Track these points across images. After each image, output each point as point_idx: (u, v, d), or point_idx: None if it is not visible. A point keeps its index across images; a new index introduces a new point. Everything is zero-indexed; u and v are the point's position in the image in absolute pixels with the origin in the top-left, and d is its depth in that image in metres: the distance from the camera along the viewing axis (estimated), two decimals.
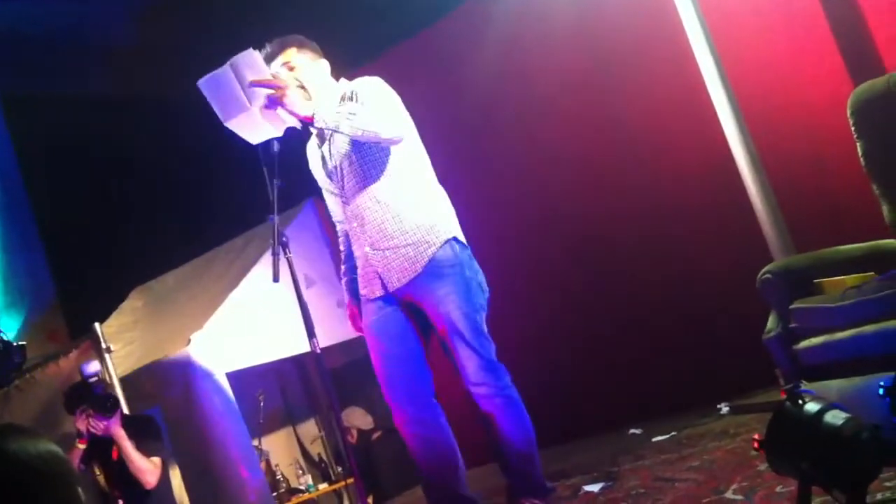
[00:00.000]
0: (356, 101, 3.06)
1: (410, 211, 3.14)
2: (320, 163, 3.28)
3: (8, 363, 4.91)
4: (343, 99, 3.12)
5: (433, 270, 3.12)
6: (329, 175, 3.23)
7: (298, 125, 3.13)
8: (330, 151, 3.20)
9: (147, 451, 4.37)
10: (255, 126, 2.97)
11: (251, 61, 2.94)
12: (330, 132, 3.12)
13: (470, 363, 3.14)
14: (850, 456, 2.07)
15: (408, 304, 3.21)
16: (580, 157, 5.25)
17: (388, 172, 3.14)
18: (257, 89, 2.92)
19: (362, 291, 3.27)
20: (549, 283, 5.47)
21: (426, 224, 3.15)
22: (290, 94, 2.93)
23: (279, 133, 3.09)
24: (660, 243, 5.00)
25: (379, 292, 3.19)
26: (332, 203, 3.35)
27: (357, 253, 3.27)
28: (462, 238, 3.25)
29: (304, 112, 2.97)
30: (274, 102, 2.93)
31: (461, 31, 5.62)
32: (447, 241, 3.16)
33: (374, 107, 3.01)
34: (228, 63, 2.93)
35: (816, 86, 4.41)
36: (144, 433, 4.47)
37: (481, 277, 3.27)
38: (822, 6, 4.39)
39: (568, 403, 5.32)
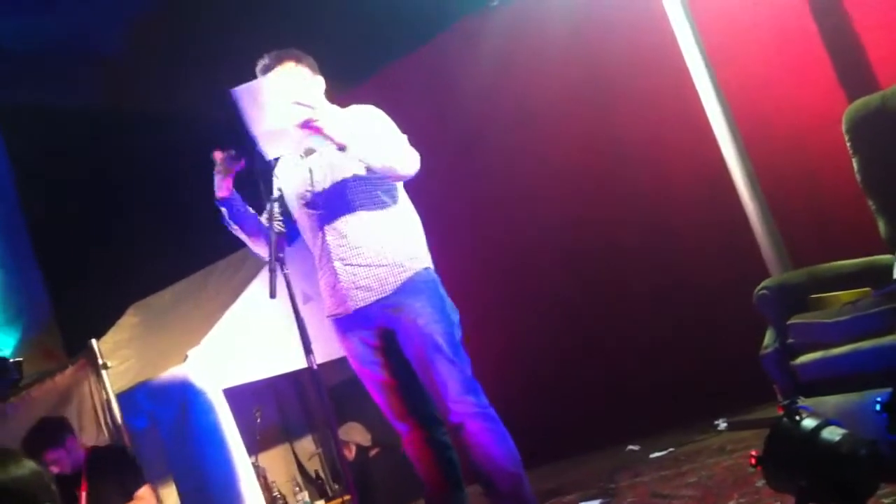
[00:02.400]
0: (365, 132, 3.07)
1: (393, 236, 3.13)
2: (304, 174, 3.23)
3: (4, 380, 4.89)
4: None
5: (408, 288, 3.09)
6: (313, 188, 3.20)
7: (313, 147, 3.13)
8: (320, 164, 3.18)
9: (131, 486, 4.31)
10: (279, 141, 2.97)
11: (291, 77, 3.04)
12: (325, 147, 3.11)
13: (450, 379, 3.05)
14: (848, 472, 2.07)
15: (380, 328, 3.15)
16: (575, 172, 5.27)
17: (378, 196, 3.15)
18: (296, 108, 2.91)
19: (331, 311, 3.22)
20: (546, 298, 5.47)
21: (406, 251, 3.14)
22: (325, 118, 2.91)
23: (296, 152, 3.13)
24: (656, 259, 5.00)
25: (344, 311, 3.15)
26: (301, 216, 3.26)
27: (322, 271, 3.21)
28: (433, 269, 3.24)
29: (340, 139, 2.92)
30: (309, 125, 2.92)
31: (456, 48, 5.66)
32: (423, 269, 3.15)
33: (393, 142, 3.04)
34: (264, 75, 3.01)
35: (811, 102, 4.43)
36: (121, 468, 4.40)
37: (451, 303, 3.23)
38: (817, 24, 4.43)
39: (564, 420, 5.31)
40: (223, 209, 3.20)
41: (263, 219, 3.21)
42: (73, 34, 7.11)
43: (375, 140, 2.99)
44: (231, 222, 3.22)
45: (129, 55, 7.28)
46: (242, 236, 3.28)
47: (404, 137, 3.13)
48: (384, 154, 2.97)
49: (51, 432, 4.32)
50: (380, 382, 3.20)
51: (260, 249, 3.29)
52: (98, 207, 7.37)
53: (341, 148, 2.96)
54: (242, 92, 2.91)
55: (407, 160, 3.04)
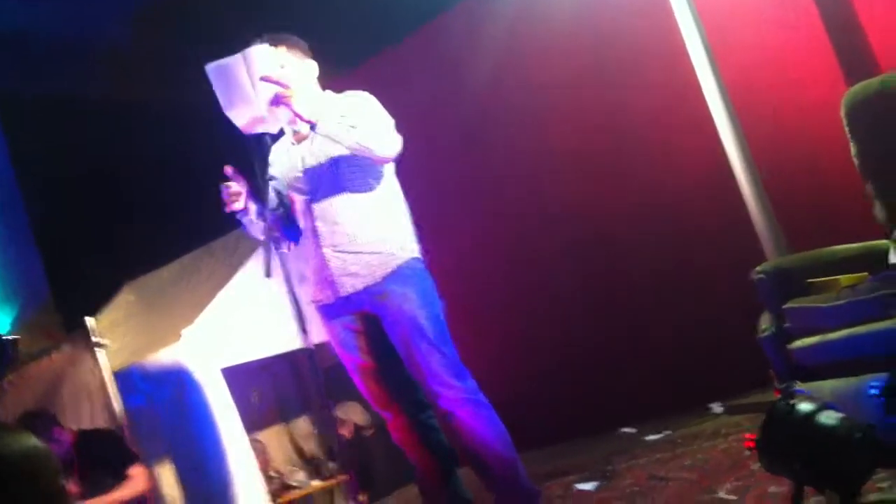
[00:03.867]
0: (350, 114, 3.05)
1: (383, 224, 3.13)
2: (295, 160, 3.22)
3: (1, 358, 4.90)
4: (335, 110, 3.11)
5: (396, 276, 3.09)
6: (305, 173, 3.19)
7: (293, 125, 3.11)
8: (311, 151, 3.17)
9: (122, 467, 4.32)
10: (253, 119, 2.96)
11: (264, 56, 2.92)
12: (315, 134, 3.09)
13: (435, 363, 3.04)
14: (844, 456, 2.07)
15: (364, 314, 3.15)
16: (575, 154, 5.26)
17: (370, 184, 3.14)
18: (265, 85, 2.89)
19: (315, 297, 3.22)
20: (543, 281, 5.47)
21: (396, 239, 3.13)
22: (296, 96, 2.91)
23: (272, 130, 3.07)
24: (653, 242, 5.00)
25: (331, 298, 3.14)
26: (296, 202, 3.26)
27: (311, 257, 3.20)
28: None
29: (308, 115, 2.93)
30: (279, 100, 2.90)
31: (459, 29, 5.62)
32: (411, 258, 3.15)
33: (372, 123, 3.01)
34: (241, 53, 2.90)
35: (810, 86, 4.42)
36: (110, 450, 4.41)
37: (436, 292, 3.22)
38: (817, 6, 4.41)
39: (561, 403, 5.32)
40: (241, 220, 3.16)
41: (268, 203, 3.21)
42: (71, 23, 7.09)
43: (349, 120, 2.97)
44: (252, 231, 3.17)
45: (127, 43, 7.26)
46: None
47: (390, 121, 3.10)
48: (358, 134, 2.95)
49: (35, 426, 4.31)
50: (363, 368, 3.19)
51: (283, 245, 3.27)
52: (95, 186, 7.36)
53: (312, 126, 2.96)
54: (214, 69, 2.91)
55: (385, 142, 3.02)
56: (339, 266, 3.10)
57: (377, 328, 3.14)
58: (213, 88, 2.94)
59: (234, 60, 2.90)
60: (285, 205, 3.27)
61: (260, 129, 3.03)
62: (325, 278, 3.14)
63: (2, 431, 1.50)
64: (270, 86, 2.88)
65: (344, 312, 3.15)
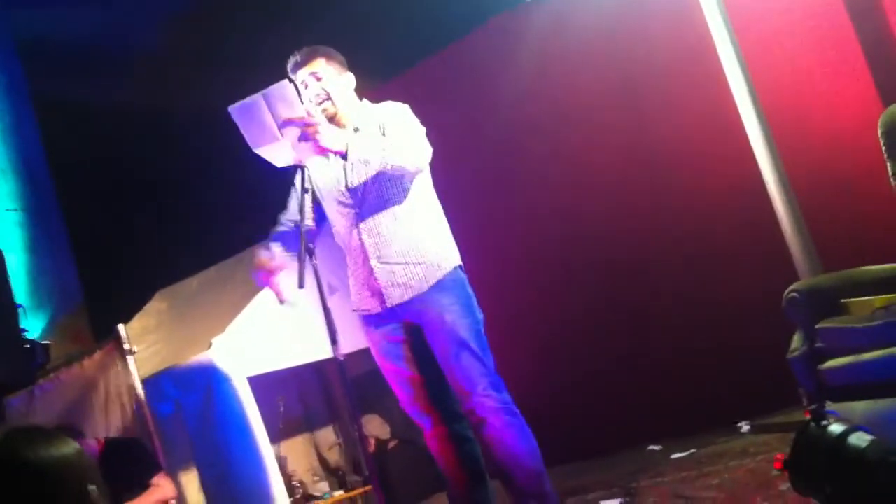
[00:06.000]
0: (384, 132, 3.10)
1: (427, 234, 3.18)
2: (338, 174, 3.24)
3: (33, 362, 4.94)
4: (370, 125, 3.15)
5: (439, 286, 3.13)
6: (349, 188, 3.21)
7: (323, 154, 3.13)
8: (353, 166, 3.19)
9: (146, 476, 4.36)
10: (282, 153, 2.99)
11: (284, 95, 2.91)
12: None
13: (475, 374, 3.08)
14: (875, 479, 2.05)
15: (406, 323, 3.19)
16: (606, 172, 5.25)
17: (410, 195, 3.18)
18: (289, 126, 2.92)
19: (360, 307, 3.25)
20: (572, 297, 5.45)
21: (439, 249, 3.18)
22: (322, 132, 2.93)
23: (304, 161, 3.09)
24: (684, 259, 4.97)
25: (377, 308, 3.18)
26: (334, 213, 3.28)
27: (356, 267, 3.23)
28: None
29: (337, 147, 2.96)
30: (306, 137, 2.93)
31: (489, 46, 5.64)
32: (455, 267, 3.19)
33: (402, 140, 3.05)
34: (261, 94, 2.91)
35: (846, 106, 4.38)
36: (135, 459, 4.45)
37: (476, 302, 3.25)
38: (854, 27, 4.37)
39: (587, 420, 5.29)
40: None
41: (294, 211, 3.25)
42: (109, 32, 7.20)
43: (379, 142, 3.01)
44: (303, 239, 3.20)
45: (166, 52, 7.36)
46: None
47: (421, 131, 3.14)
48: (388, 155, 2.99)
49: None
50: (403, 377, 3.22)
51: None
52: (131, 195, 7.45)
53: (342, 155, 3.00)
54: (238, 110, 2.93)
55: (413, 157, 3.06)
56: (387, 278, 3.14)
57: (419, 338, 3.17)
58: (239, 128, 2.98)
59: (256, 102, 2.91)
60: (321, 216, 3.31)
61: (292, 163, 3.07)
62: (372, 289, 3.18)
63: (36, 439, 1.50)
64: (293, 128, 2.90)
65: (388, 322, 3.19)
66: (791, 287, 3.24)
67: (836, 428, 2.16)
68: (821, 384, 3.08)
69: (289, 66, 3.21)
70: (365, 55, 3.40)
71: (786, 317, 3.26)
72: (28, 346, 4.79)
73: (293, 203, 3.34)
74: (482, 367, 3.10)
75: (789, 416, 4.10)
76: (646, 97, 5.08)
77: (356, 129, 3.16)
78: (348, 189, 3.20)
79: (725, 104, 4.44)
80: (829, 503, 2.12)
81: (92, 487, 1.54)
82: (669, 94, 4.97)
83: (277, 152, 2.97)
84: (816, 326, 3.09)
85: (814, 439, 2.15)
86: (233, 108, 2.96)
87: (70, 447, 1.51)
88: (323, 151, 2.99)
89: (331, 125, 3.06)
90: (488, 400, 3.09)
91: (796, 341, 3.19)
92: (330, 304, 3.10)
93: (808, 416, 2.26)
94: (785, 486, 2.75)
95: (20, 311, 4.00)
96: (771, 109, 4.39)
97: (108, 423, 5.02)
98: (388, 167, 3.02)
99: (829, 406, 2.68)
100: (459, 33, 5.81)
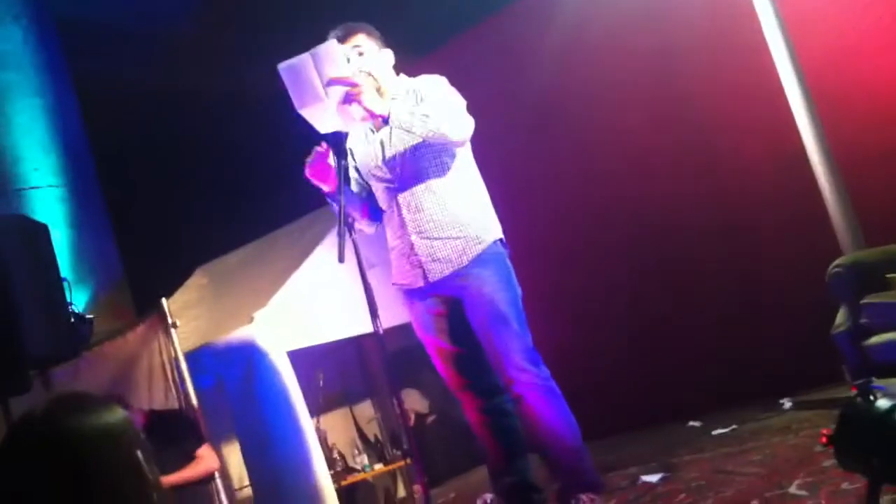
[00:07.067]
0: (423, 101, 3.09)
1: (466, 207, 3.17)
2: (375, 149, 3.26)
3: (77, 336, 5.03)
4: (410, 95, 3.14)
5: (479, 259, 3.13)
6: (386, 162, 3.23)
7: (368, 122, 3.13)
8: (391, 140, 3.20)
9: (191, 448, 4.46)
10: (326, 117, 2.99)
11: (333, 55, 2.92)
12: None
13: (514, 348, 3.09)
14: None
15: (447, 297, 3.20)
16: (647, 145, 5.20)
17: (449, 169, 3.18)
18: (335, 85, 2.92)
19: (401, 280, 3.26)
20: (611, 270, 5.43)
21: (479, 222, 3.18)
22: (367, 93, 2.93)
23: (347, 128, 3.11)
24: (726, 233, 4.93)
25: (419, 282, 3.19)
26: (374, 189, 3.30)
27: (396, 241, 3.24)
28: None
29: (380, 111, 2.97)
30: (350, 98, 2.93)
31: (526, 18, 5.59)
32: (495, 241, 3.19)
33: (444, 108, 3.03)
34: (310, 53, 2.91)
35: (891, 77, 4.29)
36: (180, 431, 4.55)
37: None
38: None
39: (625, 395, 5.28)
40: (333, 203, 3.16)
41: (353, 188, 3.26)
42: (154, 6, 7.25)
43: (422, 108, 3.00)
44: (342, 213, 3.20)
45: (206, 29, 7.39)
46: (360, 224, 3.29)
47: (462, 103, 3.13)
48: (432, 122, 2.97)
49: None
50: (444, 350, 3.24)
51: (369, 228, 3.32)
52: (170, 171, 7.52)
53: (385, 120, 2.99)
54: (286, 69, 2.93)
55: (457, 126, 3.05)
56: (428, 252, 3.15)
57: (459, 311, 3.18)
58: (286, 88, 2.98)
59: (304, 60, 2.92)
60: (365, 189, 3.32)
61: (335, 128, 3.07)
62: (413, 263, 3.18)
63: (80, 406, 1.50)
64: (341, 87, 2.91)
65: (428, 296, 3.20)
66: (835, 262, 3.21)
67: (883, 402, 2.14)
68: (865, 360, 3.05)
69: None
70: (398, 30, 3.38)
71: (830, 292, 3.23)
72: (73, 319, 4.87)
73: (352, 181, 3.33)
74: (520, 341, 3.11)
75: (831, 392, 4.06)
76: (686, 68, 5.01)
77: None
78: (385, 163, 3.21)
79: (769, 76, 4.37)
80: (875, 477, 2.10)
81: (141, 454, 1.54)
82: (710, 65, 4.90)
83: (321, 115, 2.97)
84: (861, 302, 3.06)
85: (861, 413, 2.13)
86: (282, 67, 2.96)
87: (118, 413, 1.53)
88: (366, 116, 2.99)
89: (375, 89, 3.05)
90: (526, 374, 3.10)
91: (840, 317, 3.16)
92: (371, 278, 3.12)
93: (854, 391, 2.23)
94: (828, 461, 2.73)
95: (66, 285, 4.06)
96: (815, 81, 4.32)
97: (151, 395, 5.10)
98: (430, 135, 3.00)
99: (875, 381, 2.64)
100: (493, 8, 5.76)
